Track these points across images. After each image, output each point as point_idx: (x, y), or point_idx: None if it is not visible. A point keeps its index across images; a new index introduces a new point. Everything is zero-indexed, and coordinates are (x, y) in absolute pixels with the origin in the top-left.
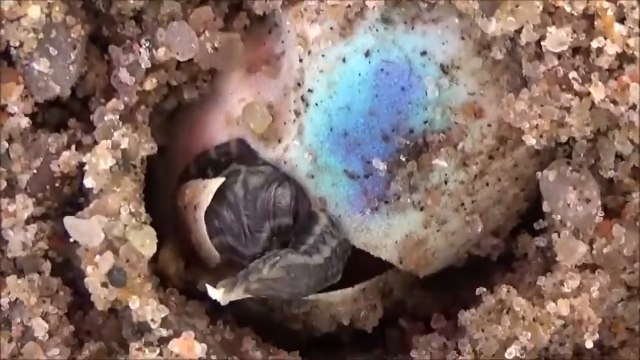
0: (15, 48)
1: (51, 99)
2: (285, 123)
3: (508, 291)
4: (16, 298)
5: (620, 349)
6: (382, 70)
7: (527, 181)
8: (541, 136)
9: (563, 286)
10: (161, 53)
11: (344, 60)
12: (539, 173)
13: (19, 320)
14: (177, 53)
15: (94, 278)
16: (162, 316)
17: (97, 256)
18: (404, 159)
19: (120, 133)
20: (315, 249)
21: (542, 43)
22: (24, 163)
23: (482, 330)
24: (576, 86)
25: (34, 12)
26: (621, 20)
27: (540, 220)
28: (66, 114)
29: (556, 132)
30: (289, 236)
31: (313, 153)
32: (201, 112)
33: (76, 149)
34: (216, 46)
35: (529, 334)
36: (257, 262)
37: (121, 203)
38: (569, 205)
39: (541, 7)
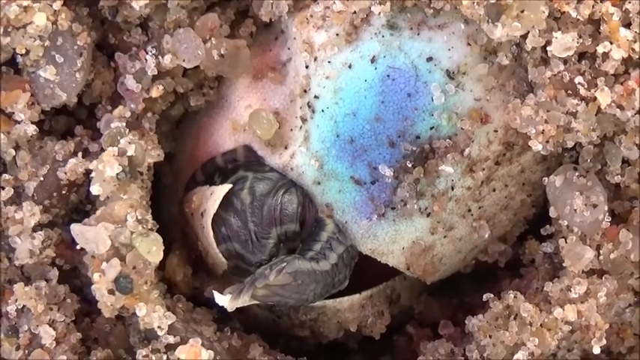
0: (21, 55)
1: (57, 106)
2: (291, 129)
3: (515, 297)
4: (24, 306)
5: (628, 355)
6: (388, 76)
7: (534, 186)
8: (547, 142)
9: (571, 291)
10: (167, 60)
11: (350, 66)
12: (545, 179)
13: (26, 328)
14: (184, 60)
15: (100, 285)
16: (169, 323)
17: (104, 264)
18: (410, 165)
19: (126, 141)
20: (321, 255)
21: (548, 49)
22: (31, 171)
23: (490, 336)
24: (582, 91)
25: (40, 19)
26: (627, 25)
27: (547, 226)
28: (72, 121)
29: (562, 137)
30: (296, 243)
31: (320, 159)
32: (207, 118)
33: (83, 156)
34: (222, 53)
35: (536, 339)
36: (264, 269)
37: (128, 210)
38: (576, 210)
39: (547, 13)
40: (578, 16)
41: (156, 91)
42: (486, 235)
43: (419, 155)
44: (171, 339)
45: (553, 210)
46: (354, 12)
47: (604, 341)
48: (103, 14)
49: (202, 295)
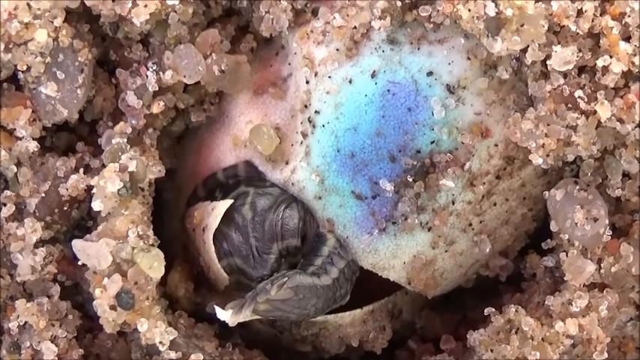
0: (22, 72)
1: (59, 123)
2: (292, 145)
3: (517, 311)
4: (26, 322)
5: None
6: (389, 90)
7: (534, 200)
8: (548, 156)
9: (572, 305)
10: (168, 76)
11: (350, 81)
12: (546, 193)
13: (28, 344)
14: (185, 76)
15: (102, 301)
16: (171, 338)
17: (106, 279)
18: (411, 179)
19: (128, 156)
20: (323, 270)
21: (547, 62)
22: (32, 187)
23: (492, 350)
24: (582, 105)
25: (42, 36)
26: (627, 39)
27: (548, 240)
28: (74, 138)
29: (563, 151)
30: (297, 258)
31: (320, 174)
32: (208, 134)
33: (84, 173)
34: (223, 68)
35: (538, 353)
36: (265, 283)
37: (129, 226)
38: (576, 224)
39: (546, 27)
40: (577, 30)
41: (157, 107)
42: (487, 250)
43: (420, 169)
44: (172, 355)
45: (554, 224)
46: (355, 27)
47: (605, 355)
48: (104, 30)
49: (204, 311)
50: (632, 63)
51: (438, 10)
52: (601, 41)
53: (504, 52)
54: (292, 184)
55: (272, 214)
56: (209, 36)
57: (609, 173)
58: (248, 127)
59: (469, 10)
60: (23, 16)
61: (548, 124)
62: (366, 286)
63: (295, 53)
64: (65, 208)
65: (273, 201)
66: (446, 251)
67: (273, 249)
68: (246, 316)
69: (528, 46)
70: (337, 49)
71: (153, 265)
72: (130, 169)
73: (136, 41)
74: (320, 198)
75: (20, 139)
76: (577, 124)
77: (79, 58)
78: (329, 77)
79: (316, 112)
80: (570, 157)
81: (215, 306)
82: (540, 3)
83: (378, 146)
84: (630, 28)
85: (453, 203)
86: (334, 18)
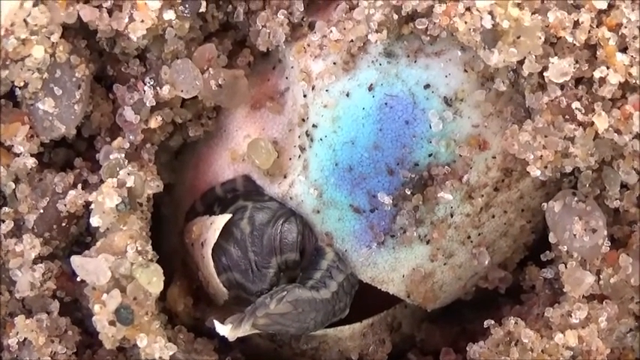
0: (20, 88)
1: (56, 138)
2: (290, 159)
3: (516, 323)
4: (25, 339)
5: None
6: (386, 104)
7: (533, 212)
8: (546, 167)
9: (571, 316)
10: (165, 91)
11: (348, 95)
12: (544, 204)
13: None
14: (182, 91)
15: (101, 317)
16: (171, 353)
17: (105, 295)
18: (409, 192)
19: (125, 172)
20: (322, 284)
21: (544, 74)
22: (31, 203)
23: None
24: (580, 116)
25: (38, 52)
26: (623, 50)
27: (547, 252)
28: (72, 153)
29: (561, 162)
30: (296, 272)
31: (319, 188)
32: (206, 149)
33: (83, 188)
34: (220, 83)
35: None
36: (264, 298)
37: (128, 241)
38: (575, 235)
39: (543, 38)
40: (574, 42)
41: (154, 122)
42: (486, 262)
43: (418, 182)
44: None
45: (552, 235)
46: (351, 40)
47: None
48: (100, 46)
49: (203, 326)
50: (629, 74)
51: (435, 23)
52: (598, 52)
53: (501, 64)
54: (290, 197)
55: (270, 228)
56: (206, 51)
57: (607, 184)
58: (246, 141)
59: (465, 23)
60: (20, 33)
61: (545, 136)
62: (366, 300)
63: (292, 67)
64: (64, 224)
65: (271, 215)
66: (445, 264)
67: (272, 263)
68: (245, 330)
69: (525, 57)
70: (334, 63)
71: (152, 280)
72: (128, 185)
73: (133, 56)
74: (318, 212)
75: (18, 155)
76: (574, 135)
77: (76, 74)
78: (326, 91)
79: (314, 125)
80: (568, 169)
81: (214, 320)
82: (537, 15)
83: (376, 159)
84: (627, 39)
85: (452, 216)
86: (331, 32)
